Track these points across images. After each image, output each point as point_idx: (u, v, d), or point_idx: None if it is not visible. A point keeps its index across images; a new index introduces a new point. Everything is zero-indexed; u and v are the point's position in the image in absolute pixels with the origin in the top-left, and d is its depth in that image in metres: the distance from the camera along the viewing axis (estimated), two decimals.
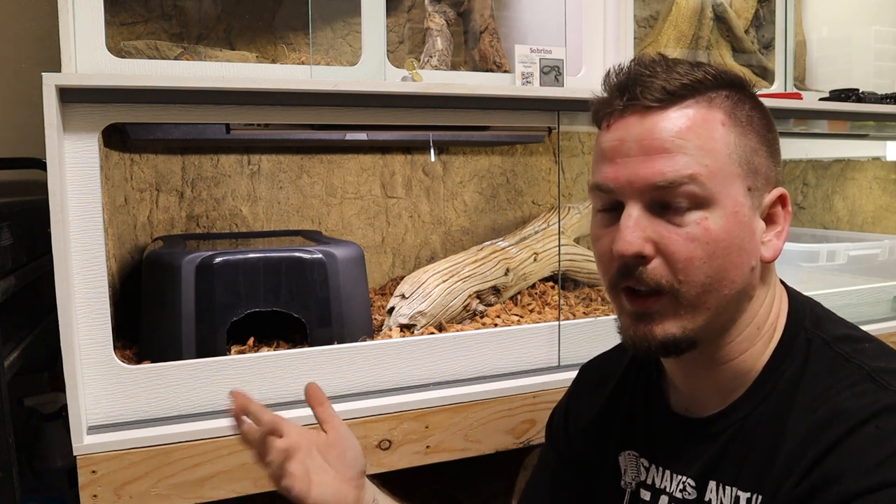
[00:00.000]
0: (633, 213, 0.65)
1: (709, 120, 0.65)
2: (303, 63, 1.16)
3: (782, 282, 0.76)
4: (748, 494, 0.66)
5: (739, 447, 0.69)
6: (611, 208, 0.69)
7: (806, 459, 0.61)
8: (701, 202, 0.64)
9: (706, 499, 0.70)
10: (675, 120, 0.65)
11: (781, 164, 0.72)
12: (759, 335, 0.70)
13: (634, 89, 0.66)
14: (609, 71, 0.70)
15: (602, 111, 0.69)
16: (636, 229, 0.65)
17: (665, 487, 0.75)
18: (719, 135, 0.65)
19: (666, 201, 0.65)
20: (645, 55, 0.69)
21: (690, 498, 0.72)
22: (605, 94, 0.69)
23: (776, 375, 0.69)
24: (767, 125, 0.70)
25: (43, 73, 0.86)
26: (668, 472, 0.75)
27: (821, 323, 0.71)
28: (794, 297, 0.74)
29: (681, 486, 0.73)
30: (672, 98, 0.65)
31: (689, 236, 0.64)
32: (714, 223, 0.64)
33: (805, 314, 0.72)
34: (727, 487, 0.68)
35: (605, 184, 0.68)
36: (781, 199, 0.70)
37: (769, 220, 0.70)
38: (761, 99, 0.73)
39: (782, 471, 0.63)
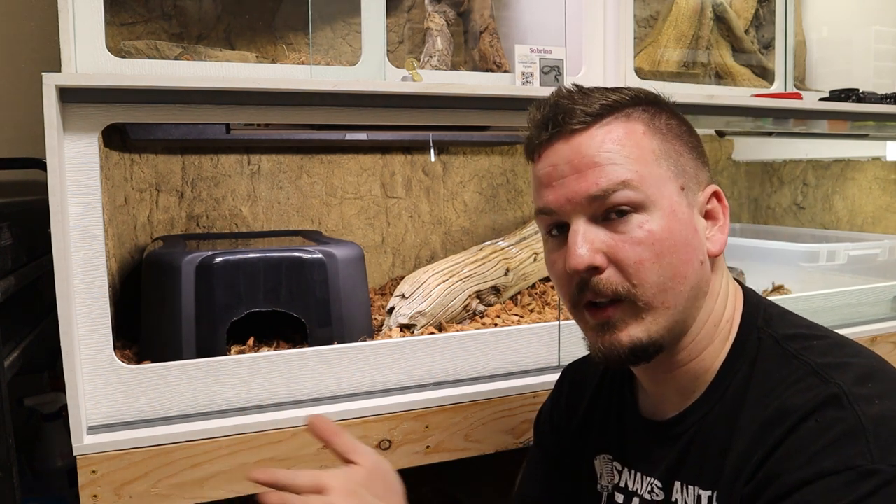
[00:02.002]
0: (579, 229, 0.69)
1: (630, 131, 0.70)
2: (303, 63, 1.16)
3: (739, 282, 0.77)
4: (708, 493, 0.68)
5: (699, 447, 0.70)
6: (558, 231, 0.72)
7: (754, 458, 0.63)
8: (638, 206, 0.67)
9: (673, 499, 0.72)
10: (599, 136, 0.69)
11: (708, 165, 0.75)
12: (717, 333, 0.72)
13: (557, 117, 0.70)
14: (531, 109, 0.74)
15: (531, 145, 0.74)
16: (584, 243, 0.68)
17: (636, 490, 0.77)
18: (644, 142, 0.69)
19: (606, 211, 0.68)
20: (562, 88, 0.74)
21: (658, 499, 0.73)
22: (531, 131, 0.73)
23: (730, 375, 0.70)
24: (688, 131, 0.74)
25: (43, 73, 0.86)
26: (638, 475, 0.77)
27: (772, 322, 0.72)
28: (749, 298, 0.75)
29: (649, 488, 0.75)
30: (593, 118, 0.70)
31: (634, 240, 0.67)
32: (656, 224, 0.67)
33: (759, 314, 0.73)
34: (690, 487, 0.70)
35: (548, 206, 0.71)
36: (716, 195, 0.73)
37: (708, 216, 0.73)
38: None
39: (734, 468, 0.65)
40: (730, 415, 0.68)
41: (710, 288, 0.72)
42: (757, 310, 0.73)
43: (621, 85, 0.76)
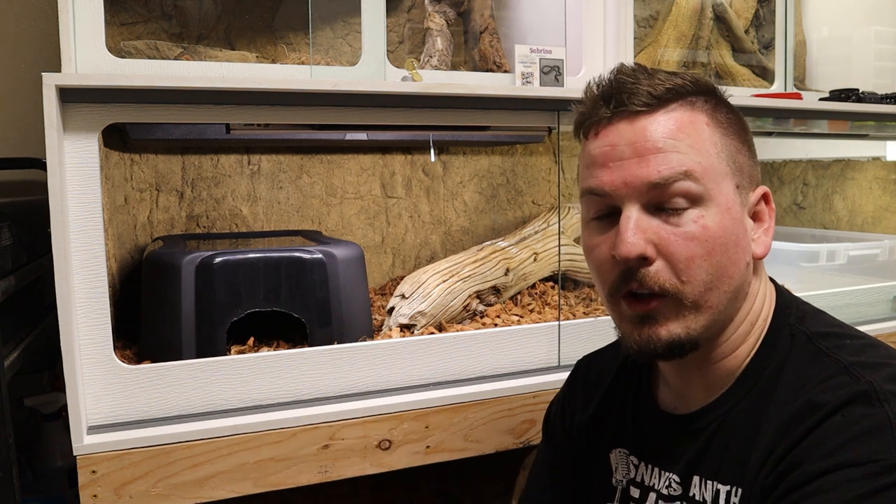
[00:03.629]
0: (633, 215, 0.66)
1: (694, 121, 0.68)
2: (303, 63, 1.16)
3: (772, 280, 0.77)
4: (727, 488, 0.67)
5: (721, 442, 0.70)
6: (605, 214, 0.70)
7: (777, 451, 0.62)
8: (696, 199, 0.66)
9: (691, 493, 0.71)
10: (664, 122, 0.67)
11: (758, 164, 0.74)
12: (751, 332, 0.72)
13: (621, 96, 0.68)
14: (590, 83, 0.72)
15: (588, 121, 0.71)
16: (637, 231, 0.65)
17: (654, 485, 0.76)
18: (706, 134, 0.68)
19: (662, 201, 0.66)
20: (624, 65, 0.71)
21: (676, 494, 0.73)
22: (588, 106, 0.71)
23: (759, 371, 0.70)
24: (744, 127, 0.73)
25: (43, 73, 0.86)
26: (656, 470, 0.76)
27: (805, 319, 0.71)
28: (782, 294, 0.75)
29: (667, 483, 0.74)
30: (658, 102, 0.67)
31: (687, 235, 0.65)
32: (711, 220, 0.66)
33: (791, 311, 0.72)
34: (709, 482, 0.69)
35: (601, 187, 0.68)
36: (765, 197, 0.72)
37: (756, 217, 0.72)
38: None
39: (759, 463, 0.64)
40: (756, 410, 0.68)
41: (751, 289, 0.71)
42: (790, 307, 0.73)
43: None
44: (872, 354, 0.66)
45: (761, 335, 0.72)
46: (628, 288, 0.67)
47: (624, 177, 0.66)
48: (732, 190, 0.68)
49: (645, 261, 0.66)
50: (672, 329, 0.67)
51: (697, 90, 0.70)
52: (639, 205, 0.66)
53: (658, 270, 0.66)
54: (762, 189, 0.72)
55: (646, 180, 0.65)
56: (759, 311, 0.72)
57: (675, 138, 0.66)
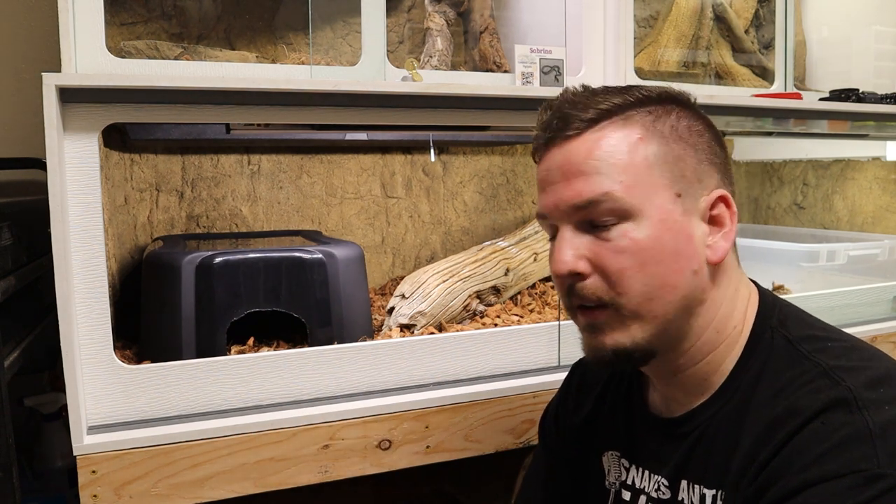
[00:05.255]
0: (566, 235, 0.70)
1: (623, 137, 0.69)
2: (303, 63, 1.16)
3: (755, 283, 0.76)
4: (713, 492, 0.68)
5: (705, 446, 0.70)
6: (553, 235, 0.73)
7: (759, 457, 0.62)
8: (624, 215, 0.67)
9: (679, 498, 0.71)
10: (590, 143, 0.69)
11: (724, 168, 0.73)
12: (721, 338, 0.71)
13: (553, 122, 0.71)
14: (540, 109, 0.75)
15: (534, 147, 0.75)
16: (568, 248, 0.69)
17: (644, 487, 0.76)
18: (637, 149, 0.68)
19: (591, 219, 0.69)
20: (568, 89, 0.73)
21: (665, 497, 0.73)
22: (538, 131, 0.74)
23: (741, 375, 0.70)
24: (701, 131, 0.72)
25: (43, 73, 0.86)
26: (645, 472, 0.77)
27: (787, 322, 0.71)
28: (765, 299, 0.74)
29: (656, 486, 0.74)
30: (587, 124, 0.70)
31: (617, 249, 0.67)
32: (641, 233, 0.67)
33: (773, 314, 0.72)
34: (695, 486, 0.70)
35: (541, 211, 0.73)
36: (723, 200, 0.71)
37: (714, 221, 0.71)
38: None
39: (740, 467, 0.64)
40: (738, 414, 0.68)
41: (712, 296, 0.70)
42: (772, 311, 0.72)
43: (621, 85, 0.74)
44: (855, 357, 0.66)
45: (739, 340, 0.71)
46: (574, 301, 0.71)
47: (555, 200, 0.70)
48: (670, 199, 0.68)
49: (579, 276, 0.69)
50: (617, 338, 0.69)
51: (640, 103, 0.70)
52: (571, 225, 0.70)
53: (593, 283, 0.69)
54: (717, 193, 0.70)
55: (570, 203, 0.69)
56: (727, 316, 0.71)
57: (597, 159, 0.68)
